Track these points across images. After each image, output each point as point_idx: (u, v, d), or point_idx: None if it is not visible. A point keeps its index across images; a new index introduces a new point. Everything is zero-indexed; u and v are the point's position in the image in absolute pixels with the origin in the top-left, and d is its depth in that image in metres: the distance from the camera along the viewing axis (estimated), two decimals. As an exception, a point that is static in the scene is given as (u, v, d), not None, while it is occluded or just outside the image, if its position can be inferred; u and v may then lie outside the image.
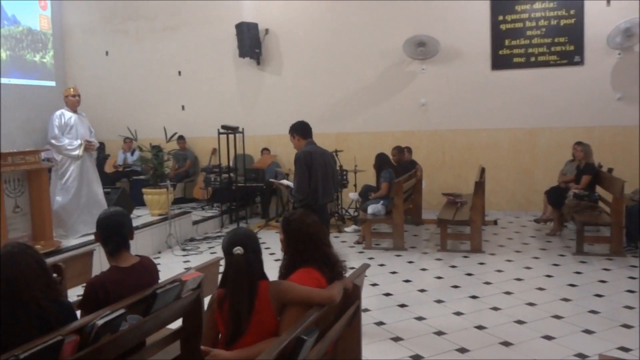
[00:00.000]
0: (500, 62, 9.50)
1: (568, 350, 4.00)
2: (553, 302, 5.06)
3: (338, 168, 9.04)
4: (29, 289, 2.27)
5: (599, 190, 7.58)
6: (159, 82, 11.38)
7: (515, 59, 9.43)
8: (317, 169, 4.76)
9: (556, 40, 9.22)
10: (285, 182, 5.80)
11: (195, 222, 8.68)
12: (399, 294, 5.46)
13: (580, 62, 9.12)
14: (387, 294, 5.45)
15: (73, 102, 6.92)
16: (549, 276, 5.95)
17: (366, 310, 4.82)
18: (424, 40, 9.43)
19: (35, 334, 2.20)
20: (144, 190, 8.48)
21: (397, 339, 4.30)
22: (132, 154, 11.02)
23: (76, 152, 6.75)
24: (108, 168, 10.98)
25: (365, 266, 3.26)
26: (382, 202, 7.65)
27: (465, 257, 6.84)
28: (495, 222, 8.86)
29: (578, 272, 6.02)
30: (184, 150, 10.97)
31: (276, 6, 10.49)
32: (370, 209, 7.64)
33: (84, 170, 6.91)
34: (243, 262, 2.56)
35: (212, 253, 7.39)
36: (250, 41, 10.29)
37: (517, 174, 9.56)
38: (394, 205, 7.37)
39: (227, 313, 2.52)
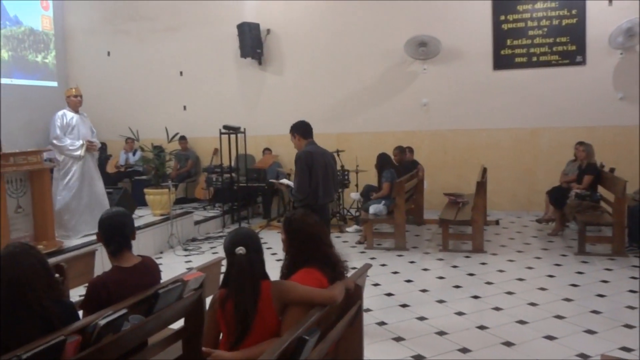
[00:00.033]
0: (502, 62, 9.49)
1: (570, 350, 4.00)
2: (555, 302, 5.06)
3: (339, 168, 9.05)
4: (31, 289, 2.28)
5: (600, 190, 7.57)
6: (161, 82, 11.39)
7: (517, 59, 9.42)
8: (318, 169, 4.76)
9: (558, 40, 9.21)
10: (285, 181, 5.80)
11: (197, 222, 8.69)
12: (401, 294, 5.46)
13: (582, 62, 9.11)
14: (389, 294, 5.45)
15: (75, 103, 6.93)
16: (550, 276, 5.94)
17: (368, 310, 4.82)
18: (426, 40, 9.42)
19: (37, 334, 2.20)
20: (145, 190, 8.49)
21: (398, 339, 4.30)
22: (134, 154, 11.03)
23: (78, 153, 6.77)
24: (110, 168, 11.00)
25: (367, 266, 3.26)
26: (383, 202, 7.65)
27: (467, 257, 6.84)
28: (497, 222, 8.85)
29: (580, 272, 6.02)
30: (186, 151, 10.98)
31: (278, 6, 10.50)
32: (372, 209, 7.64)
33: (85, 170, 6.92)
34: (245, 262, 2.56)
35: (213, 253, 7.40)
36: (251, 41, 10.29)
37: (518, 174, 9.55)
38: (395, 205, 7.37)
39: (229, 313, 2.53)
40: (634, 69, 8.77)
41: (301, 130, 4.92)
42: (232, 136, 9.39)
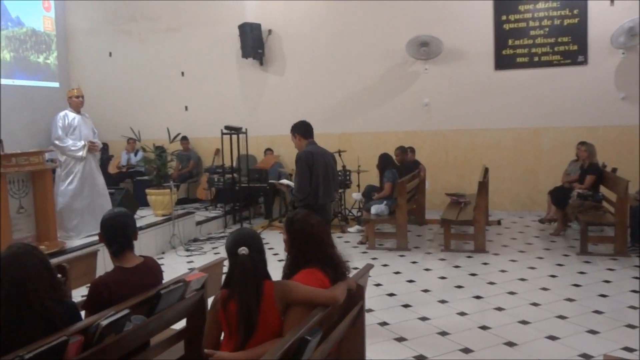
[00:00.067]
0: (503, 62, 9.49)
1: (572, 350, 3.99)
2: (557, 302, 5.05)
3: (341, 168, 9.05)
4: (34, 289, 2.28)
5: (603, 190, 7.56)
6: (162, 82, 11.40)
7: (519, 59, 9.41)
8: (318, 169, 4.77)
9: (560, 40, 9.20)
10: (285, 182, 5.81)
11: (199, 223, 8.70)
12: (403, 294, 5.45)
13: (584, 62, 9.10)
14: (391, 294, 5.44)
15: (77, 103, 6.93)
16: (553, 276, 5.94)
17: (370, 310, 4.82)
18: (427, 40, 9.42)
19: (39, 334, 2.20)
20: (147, 190, 8.49)
21: (400, 339, 4.30)
22: (136, 154, 11.04)
23: (80, 153, 6.77)
24: (112, 169, 11.01)
25: (369, 266, 3.26)
26: (385, 202, 7.65)
27: (469, 257, 6.83)
28: (498, 222, 8.84)
29: (582, 272, 6.01)
30: (188, 151, 10.98)
31: (279, 7, 10.50)
32: (374, 209, 7.64)
33: (87, 171, 6.92)
34: (248, 262, 2.56)
35: (215, 253, 7.40)
36: (253, 42, 10.30)
37: (520, 174, 9.54)
38: (397, 205, 7.36)
39: (231, 313, 2.52)
40: (636, 69, 8.76)
41: (302, 130, 4.92)
42: (234, 136, 9.39)
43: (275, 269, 2.89)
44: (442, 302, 5.18)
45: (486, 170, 8.40)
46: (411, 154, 9.15)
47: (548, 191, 8.29)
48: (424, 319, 4.74)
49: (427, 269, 6.39)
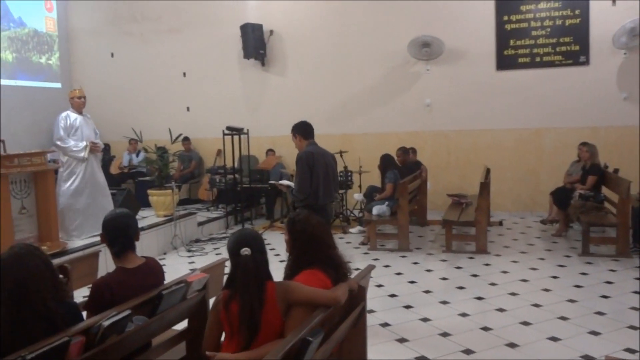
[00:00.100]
0: (505, 62, 9.49)
1: (574, 351, 3.99)
2: (559, 303, 5.04)
3: (343, 169, 9.06)
4: (36, 290, 2.28)
5: (604, 190, 7.56)
6: (164, 83, 11.42)
7: (520, 59, 9.41)
8: (319, 169, 4.78)
9: (561, 40, 9.19)
10: (285, 182, 5.80)
11: (201, 223, 8.70)
12: (404, 295, 5.45)
13: (586, 62, 9.09)
14: (392, 295, 5.44)
15: (79, 104, 6.94)
16: (554, 277, 5.93)
17: (371, 311, 4.82)
18: (429, 40, 9.42)
19: (41, 335, 2.21)
20: (149, 191, 8.50)
21: (402, 340, 4.30)
22: (138, 155, 11.05)
23: (82, 154, 6.78)
24: (113, 169, 11.02)
25: (371, 267, 3.26)
26: (387, 203, 7.65)
27: (471, 258, 6.83)
28: (500, 223, 8.83)
29: (584, 273, 6.00)
30: (189, 152, 10.99)
31: (281, 7, 10.51)
32: (375, 210, 7.64)
33: (89, 171, 6.92)
34: (251, 263, 2.56)
35: (217, 254, 7.41)
36: (254, 42, 10.30)
37: (522, 175, 9.53)
38: (398, 206, 7.37)
39: (233, 314, 2.52)
40: (638, 69, 8.74)
41: (302, 130, 4.93)
42: (236, 137, 9.40)
43: (277, 270, 2.89)
44: (444, 303, 5.18)
45: (488, 171, 8.39)
46: (413, 155, 9.15)
47: (550, 192, 8.27)
48: (425, 319, 4.74)
49: (428, 270, 6.38)
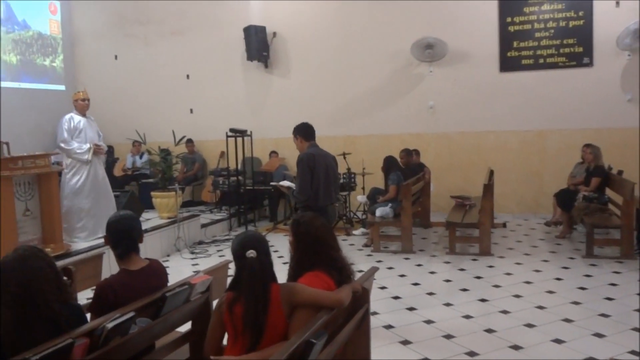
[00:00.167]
0: (508, 64, 9.48)
1: (578, 354, 3.97)
2: (563, 306, 5.03)
3: (346, 171, 9.06)
4: (41, 292, 2.29)
5: (608, 192, 7.54)
6: (168, 85, 11.44)
7: (524, 61, 9.40)
8: (319, 170, 4.80)
9: (565, 41, 9.18)
10: (286, 183, 5.80)
11: (204, 225, 8.71)
12: (408, 297, 5.44)
13: (589, 64, 9.08)
14: (396, 297, 5.44)
15: (82, 106, 6.95)
16: (558, 279, 5.91)
17: (375, 313, 4.81)
18: (432, 42, 9.41)
19: (45, 336, 2.21)
20: (152, 193, 8.52)
21: (405, 342, 4.29)
22: (141, 157, 11.07)
23: (85, 156, 6.79)
24: (117, 171, 11.04)
25: (374, 269, 3.26)
26: (390, 204, 7.64)
27: (474, 260, 6.81)
28: (504, 225, 8.82)
29: (588, 275, 5.98)
30: (193, 154, 11.01)
31: (284, 9, 10.52)
32: (379, 211, 7.63)
33: (93, 173, 6.93)
34: (256, 265, 2.56)
35: (220, 256, 7.41)
36: (258, 44, 10.32)
37: (526, 177, 9.52)
38: (402, 208, 7.36)
39: (237, 316, 2.52)
40: (642, 71, 8.73)
41: (303, 132, 4.95)
42: (239, 139, 9.41)
43: (280, 272, 2.89)
44: (447, 305, 5.17)
45: (491, 173, 8.37)
46: (416, 157, 9.14)
47: (553, 194, 8.26)
48: (429, 321, 4.73)
49: (432, 272, 6.37)
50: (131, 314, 2.47)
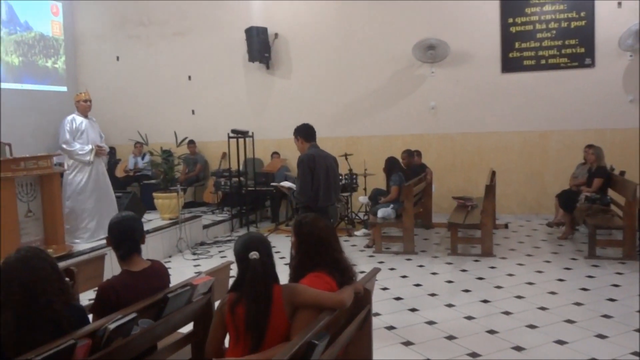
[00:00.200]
0: (510, 64, 9.47)
1: (581, 355, 3.97)
2: (565, 307, 5.02)
3: (348, 172, 9.06)
4: (44, 292, 2.29)
5: (611, 193, 7.53)
6: (170, 86, 11.45)
7: (526, 62, 9.39)
8: (320, 171, 4.81)
9: (566, 42, 9.17)
10: (287, 184, 5.81)
11: (206, 226, 8.71)
12: (410, 298, 5.44)
13: (591, 65, 9.07)
14: (398, 298, 5.43)
15: (84, 107, 6.95)
16: (560, 280, 5.90)
17: (377, 314, 4.81)
18: (434, 43, 9.41)
19: (48, 337, 2.21)
20: (154, 194, 8.52)
21: (407, 343, 4.28)
22: (143, 158, 11.08)
23: (87, 158, 6.79)
24: (119, 172, 11.05)
25: (376, 270, 3.25)
26: (392, 205, 7.64)
27: (476, 260, 6.81)
28: (506, 226, 8.81)
29: (590, 276, 5.97)
30: (194, 155, 11.02)
31: (285, 10, 10.53)
32: (380, 212, 7.63)
33: (94, 174, 6.93)
34: (259, 267, 2.56)
35: (222, 257, 7.42)
36: (259, 45, 10.33)
37: (528, 177, 9.51)
38: (404, 208, 7.35)
39: (239, 317, 2.52)
40: (644, 71, 8.72)
41: (304, 133, 4.97)
42: (241, 140, 9.42)
43: (282, 273, 2.89)
44: (449, 306, 5.16)
45: (493, 174, 8.37)
46: (418, 158, 9.13)
47: (556, 194, 8.25)
48: (431, 323, 4.73)
49: (434, 273, 6.37)
50: (133, 315, 2.47)
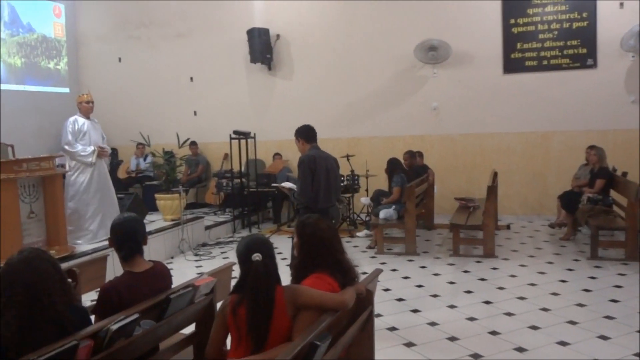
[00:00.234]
0: (512, 65, 9.46)
1: (583, 356, 3.96)
2: (568, 308, 5.01)
3: (350, 173, 9.07)
4: (47, 293, 2.29)
5: (613, 194, 7.51)
6: (172, 88, 11.46)
7: (527, 63, 9.38)
8: (320, 173, 4.82)
9: (568, 43, 9.16)
10: (287, 184, 5.82)
11: (208, 227, 8.71)
12: (412, 299, 5.43)
13: (593, 65, 9.06)
14: (400, 299, 5.43)
15: (87, 109, 6.97)
16: (563, 281, 5.90)
17: (379, 315, 4.80)
18: (435, 44, 9.41)
19: (50, 338, 2.22)
20: (156, 195, 8.53)
21: (409, 344, 4.28)
22: (145, 159, 11.09)
23: (90, 159, 6.80)
24: (121, 174, 11.07)
25: (378, 271, 3.25)
26: (394, 206, 7.64)
27: (478, 262, 6.80)
28: (508, 227, 8.80)
29: (593, 277, 5.96)
30: (196, 156, 11.02)
31: (287, 12, 10.54)
32: (382, 213, 7.62)
33: (96, 176, 6.94)
34: (262, 268, 2.56)
35: (224, 258, 7.42)
36: (261, 47, 10.33)
37: (530, 178, 9.50)
38: (406, 210, 7.35)
39: (241, 319, 2.52)
40: (646, 72, 8.71)
41: (305, 134, 4.99)
42: (242, 141, 9.42)
43: (285, 273, 2.89)
44: (451, 307, 5.16)
45: (495, 175, 8.37)
46: (420, 159, 9.13)
47: (558, 195, 8.24)
48: (433, 324, 4.72)
49: (436, 274, 6.36)
50: (135, 316, 2.48)
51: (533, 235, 8.30)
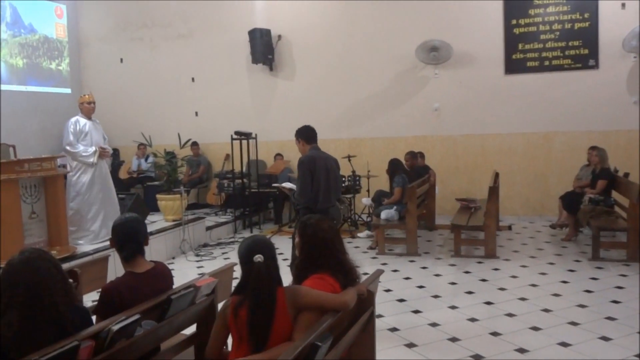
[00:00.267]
0: (513, 66, 9.45)
1: (584, 357, 3.96)
2: (569, 309, 5.01)
3: (351, 173, 9.07)
4: (48, 294, 2.29)
5: (614, 195, 7.50)
6: (173, 88, 11.47)
7: (529, 63, 9.37)
8: (320, 173, 4.83)
9: (570, 43, 9.15)
10: (288, 185, 5.83)
11: (209, 228, 8.72)
12: (413, 299, 5.43)
13: (595, 66, 9.05)
14: (401, 300, 5.43)
15: (88, 109, 6.98)
16: (564, 282, 5.89)
17: (380, 316, 4.80)
18: (437, 45, 9.41)
19: (52, 339, 2.22)
20: (158, 196, 8.54)
21: (411, 345, 4.28)
22: (146, 160, 11.10)
23: (91, 159, 6.81)
24: (122, 174, 11.08)
25: (379, 272, 3.25)
26: (395, 207, 7.64)
27: (480, 262, 6.80)
28: (509, 228, 8.79)
29: (594, 278, 5.96)
30: (198, 156, 11.03)
31: (289, 12, 10.54)
32: (384, 214, 7.63)
33: (98, 176, 6.96)
34: (264, 270, 2.55)
35: (225, 259, 7.42)
36: (262, 47, 10.33)
37: (531, 179, 9.49)
38: (407, 210, 7.35)
39: (242, 320, 2.52)
40: (648, 73, 8.69)
41: (305, 135, 5.00)
42: (244, 142, 9.43)
43: (286, 274, 2.89)
44: (453, 307, 5.16)
45: (496, 175, 8.36)
46: (421, 159, 9.13)
47: (559, 196, 8.23)
48: (434, 324, 4.72)
49: (437, 275, 6.36)
50: (136, 317, 2.48)
51: (534, 236, 8.29)
